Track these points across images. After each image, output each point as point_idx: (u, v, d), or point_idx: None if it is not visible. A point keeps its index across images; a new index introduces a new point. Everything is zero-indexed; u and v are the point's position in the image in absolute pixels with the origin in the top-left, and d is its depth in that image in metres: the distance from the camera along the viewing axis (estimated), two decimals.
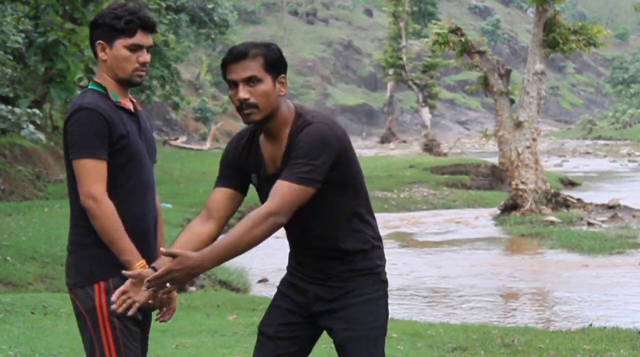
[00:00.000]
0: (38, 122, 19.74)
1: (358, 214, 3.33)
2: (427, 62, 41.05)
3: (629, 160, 40.97)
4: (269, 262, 14.25)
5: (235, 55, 3.21)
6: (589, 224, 18.06)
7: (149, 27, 3.39)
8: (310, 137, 3.16)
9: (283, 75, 3.25)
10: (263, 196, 3.31)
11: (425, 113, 40.61)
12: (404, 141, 56.63)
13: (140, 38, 3.37)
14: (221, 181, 3.42)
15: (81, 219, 3.32)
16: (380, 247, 3.40)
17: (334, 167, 3.19)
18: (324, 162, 3.15)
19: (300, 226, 3.31)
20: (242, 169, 3.38)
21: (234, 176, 3.39)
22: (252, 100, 3.19)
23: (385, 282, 3.39)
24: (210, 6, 36.42)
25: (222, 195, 3.42)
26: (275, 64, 3.22)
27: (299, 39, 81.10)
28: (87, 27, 18.32)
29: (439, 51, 21.40)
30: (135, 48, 3.37)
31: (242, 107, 3.20)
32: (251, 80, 3.19)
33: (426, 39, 23.30)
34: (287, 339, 3.38)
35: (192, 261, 3.04)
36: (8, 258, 10.93)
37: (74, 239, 3.38)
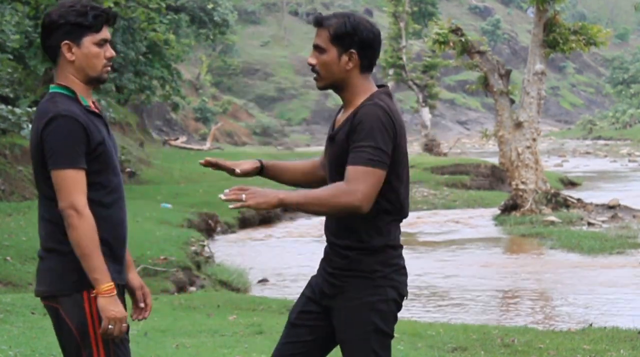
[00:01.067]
0: None
1: (383, 210, 3.28)
2: (427, 62, 41.05)
3: (629, 160, 40.96)
4: (269, 262, 14.25)
5: (315, 21, 3.32)
6: (589, 224, 18.06)
7: (112, 20, 3.28)
8: (374, 119, 3.20)
9: (353, 50, 3.26)
10: (326, 157, 3.39)
11: (425, 113, 40.61)
12: None
13: (105, 32, 3.26)
14: None
15: (59, 225, 3.18)
16: (387, 253, 3.32)
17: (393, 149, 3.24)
18: (386, 143, 3.21)
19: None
20: None
21: None
22: (316, 67, 3.30)
23: (381, 288, 3.29)
24: (210, 6, 36.42)
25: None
26: (343, 37, 3.25)
27: (299, 39, 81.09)
28: None
29: (439, 51, 21.41)
30: (102, 43, 3.26)
31: (312, 70, 3.32)
32: (318, 49, 3.29)
33: (426, 39, 23.30)
34: (303, 327, 3.39)
35: (270, 194, 3.11)
36: (8, 258, 10.93)
37: (50, 246, 3.22)
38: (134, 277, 3.43)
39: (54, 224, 3.20)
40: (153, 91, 30.77)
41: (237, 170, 3.48)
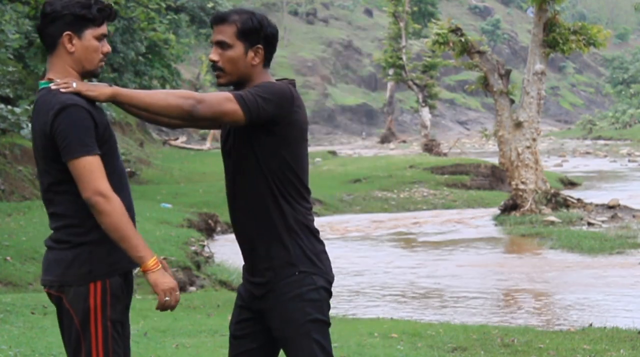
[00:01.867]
0: None
1: (285, 194, 3.27)
2: (427, 62, 41.04)
3: (629, 160, 40.95)
4: None
5: (215, 18, 3.32)
6: (589, 224, 18.06)
7: (113, 16, 3.29)
8: (268, 84, 3.25)
9: (259, 46, 3.29)
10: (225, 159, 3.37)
11: (425, 113, 40.60)
12: (404, 141, 56.62)
13: (105, 27, 3.28)
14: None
15: (73, 218, 3.20)
16: (302, 234, 3.29)
17: (270, 127, 3.22)
18: (267, 104, 3.19)
19: (232, 194, 3.35)
20: None
21: None
22: (219, 63, 3.29)
23: (310, 275, 3.26)
24: (210, 5, 36.41)
25: None
26: (250, 33, 3.27)
27: (299, 39, 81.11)
28: None
29: (439, 51, 21.41)
30: (102, 38, 3.27)
31: (213, 68, 3.30)
32: (222, 45, 3.28)
33: (426, 39, 23.31)
34: (245, 337, 3.38)
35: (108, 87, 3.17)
36: (8, 258, 10.93)
37: (63, 238, 3.23)
38: None
39: (68, 217, 3.21)
40: None
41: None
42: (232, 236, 16.62)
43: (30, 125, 3.47)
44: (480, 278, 13.24)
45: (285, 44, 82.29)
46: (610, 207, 19.65)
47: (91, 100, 3.24)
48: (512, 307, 11.43)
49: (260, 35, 3.28)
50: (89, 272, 3.20)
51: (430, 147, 39.05)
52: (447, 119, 76.94)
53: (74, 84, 3.13)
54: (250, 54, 3.27)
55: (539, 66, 19.59)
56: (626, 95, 76.97)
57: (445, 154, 37.70)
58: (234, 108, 3.15)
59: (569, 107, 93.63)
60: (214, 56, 3.29)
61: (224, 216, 18.88)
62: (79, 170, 3.12)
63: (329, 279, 3.32)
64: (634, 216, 18.91)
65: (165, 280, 3.20)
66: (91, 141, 3.14)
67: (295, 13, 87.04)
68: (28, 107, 16.88)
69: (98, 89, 3.15)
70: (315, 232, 3.33)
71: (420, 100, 40.67)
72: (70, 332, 3.23)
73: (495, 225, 19.03)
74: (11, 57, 19.37)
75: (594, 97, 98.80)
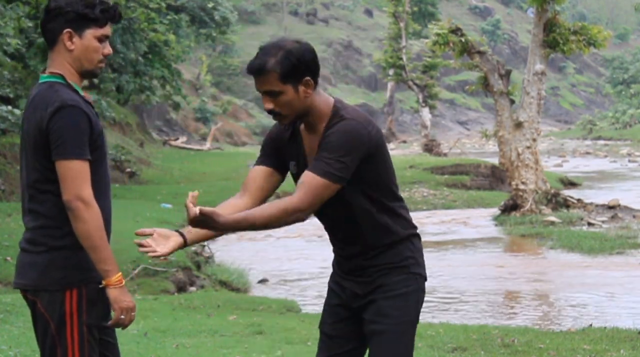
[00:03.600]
0: None
1: (386, 209, 3.32)
2: (427, 62, 41.03)
3: (629, 161, 40.94)
4: (269, 262, 14.24)
5: (252, 71, 3.26)
6: (589, 224, 18.05)
7: (118, 18, 3.27)
8: (341, 134, 3.19)
9: (307, 77, 3.24)
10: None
11: (426, 113, 40.59)
12: (404, 141, 56.60)
13: (108, 29, 3.25)
14: (259, 159, 3.46)
15: (53, 220, 3.16)
16: (411, 240, 3.38)
17: (363, 165, 3.23)
18: (352, 160, 3.18)
19: (329, 221, 3.38)
20: (281, 152, 3.41)
21: (272, 156, 3.43)
22: (276, 110, 3.25)
23: (416, 275, 3.36)
24: (210, 5, 36.42)
25: (258, 172, 3.43)
26: (292, 73, 3.21)
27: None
28: None
29: (439, 51, 21.40)
30: (103, 39, 3.25)
31: (270, 114, 3.27)
32: (271, 94, 3.23)
33: (426, 39, 23.31)
34: (342, 337, 3.42)
35: (213, 218, 3.07)
36: (8, 258, 10.93)
37: (39, 240, 3.19)
38: None
39: (47, 218, 3.17)
40: (153, 91, 30.76)
41: (162, 256, 3.26)
42: (233, 236, 16.64)
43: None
44: (481, 278, 13.24)
45: None
46: (610, 207, 19.65)
47: (89, 104, 3.21)
48: (512, 307, 11.43)
49: (302, 68, 3.23)
50: (64, 277, 3.16)
51: (430, 147, 39.04)
52: (447, 119, 76.93)
53: (165, 250, 3.14)
54: (301, 89, 3.24)
55: (539, 66, 19.59)
56: (626, 95, 76.96)
57: (445, 154, 37.69)
58: (330, 188, 3.17)
59: (569, 107, 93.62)
60: (269, 105, 3.25)
61: None
62: (66, 172, 3.09)
63: (426, 280, 3.45)
64: (634, 216, 18.91)
65: (125, 298, 3.17)
66: (83, 145, 3.11)
67: (295, 13, 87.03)
68: None
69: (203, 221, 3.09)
70: (416, 231, 3.43)
71: (420, 100, 40.67)
72: (45, 337, 3.20)
73: (496, 225, 19.02)
74: (8, 59, 19.35)
75: (594, 97, 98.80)
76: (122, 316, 3.18)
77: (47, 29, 3.22)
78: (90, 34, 3.21)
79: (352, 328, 3.40)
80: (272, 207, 3.14)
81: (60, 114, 3.10)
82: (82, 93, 3.23)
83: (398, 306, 3.30)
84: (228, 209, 3.33)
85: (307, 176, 3.17)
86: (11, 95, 19.66)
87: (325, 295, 3.57)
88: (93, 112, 3.22)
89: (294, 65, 3.21)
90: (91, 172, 3.15)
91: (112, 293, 3.15)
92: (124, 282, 3.18)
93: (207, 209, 3.03)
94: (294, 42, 3.27)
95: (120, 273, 3.16)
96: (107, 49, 3.26)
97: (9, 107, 16.70)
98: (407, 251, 3.34)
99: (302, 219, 3.20)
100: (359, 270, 3.36)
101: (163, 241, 3.18)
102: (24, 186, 3.25)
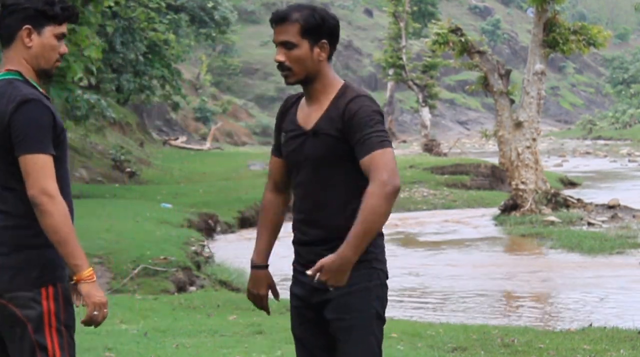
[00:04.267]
0: None
1: (359, 194, 3.23)
2: (427, 62, 41.03)
3: (629, 160, 40.95)
4: (269, 262, 14.21)
5: (276, 18, 3.27)
6: (589, 224, 18.06)
7: (75, 18, 3.21)
8: (369, 108, 3.21)
9: (324, 40, 3.27)
10: (284, 153, 3.37)
11: (425, 113, 40.60)
12: (404, 141, 56.62)
13: (65, 27, 3.18)
14: (273, 147, 3.47)
15: (23, 218, 3.08)
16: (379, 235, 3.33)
17: None
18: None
19: (302, 190, 3.33)
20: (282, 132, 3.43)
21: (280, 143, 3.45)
22: (286, 63, 3.25)
23: (377, 270, 3.30)
24: (210, 5, 36.43)
25: (277, 164, 3.46)
26: (315, 30, 3.24)
27: None
28: (87, 26, 18.33)
29: (439, 51, 21.41)
30: (61, 37, 3.18)
31: (279, 68, 3.27)
32: (287, 45, 3.24)
33: (426, 39, 23.32)
34: (312, 336, 3.38)
35: (336, 260, 3.09)
36: None
37: (9, 240, 3.08)
38: None
39: (17, 217, 3.09)
40: (153, 91, 30.79)
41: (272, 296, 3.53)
42: (232, 236, 16.66)
43: None
44: (480, 278, 13.24)
45: None
46: (610, 207, 19.65)
47: (49, 100, 3.15)
48: (512, 307, 11.43)
49: (323, 30, 3.26)
50: (40, 276, 3.08)
51: (430, 147, 39.05)
52: (447, 119, 76.95)
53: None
54: (316, 50, 3.25)
55: (539, 66, 19.59)
56: (626, 95, 77.00)
57: (445, 154, 37.70)
58: (392, 152, 3.22)
59: (569, 107, 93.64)
60: (280, 57, 3.25)
61: (224, 216, 18.88)
62: (30, 167, 3.02)
63: (388, 276, 3.38)
64: (634, 216, 18.91)
65: (98, 294, 3.08)
66: (47, 139, 3.05)
67: None
68: None
69: (336, 276, 3.14)
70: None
71: (420, 100, 40.67)
72: (22, 342, 3.09)
73: (495, 225, 19.02)
74: None
75: (594, 97, 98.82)
76: (95, 312, 3.09)
77: (4, 25, 3.14)
78: (49, 31, 3.14)
79: (319, 326, 3.35)
80: (374, 201, 3.09)
81: (22, 108, 3.03)
82: (41, 90, 3.16)
83: (361, 301, 3.25)
84: (273, 208, 3.47)
85: (374, 156, 3.14)
86: None
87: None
88: (54, 108, 3.15)
89: (317, 24, 3.24)
90: (56, 169, 3.08)
91: (84, 288, 3.06)
92: (95, 278, 3.09)
93: (325, 265, 3.10)
94: (323, 8, 3.33)
95: (91, 268, 3.08)
96: (64, 48, 3.19)
97: None
98: (369, 246, 3.24)
99: (398, 187, 3.19)
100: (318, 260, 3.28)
101: (263, 290, 3.48)
102: None
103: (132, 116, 36.25)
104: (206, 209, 18.78)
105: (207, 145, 42.07)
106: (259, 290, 3.50)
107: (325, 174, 3.27)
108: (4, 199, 3.11)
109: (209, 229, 17.70)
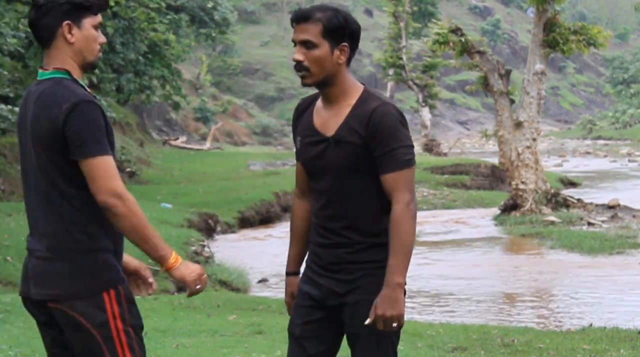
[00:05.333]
0: None
1: (382, 199, 3.23)
2: (427, 62, 41.03)
3: (629, 160, 40.96)
4: (269, 262, 14.24)
5: (297, 16, 3.21)
6: (589, 224, 18.06)
7: (107, 6, 3.17)
8: (395, 119, 3.19)
9: (345, 43, 3.20)
10: (302, 159, 3.32)
11: (425, 113, 40.60)
12: None
13: (100, 17, 3.13)
14: (296, 153, 3.42)
15: (76, 223, 3.01)
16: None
17: None
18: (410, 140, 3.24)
19: (324, 195, 3.29)
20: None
21: None
22: (305, 63, 3.19)
23: None
24: (210, 5, 36.43)
25: (300, 169, 3.42)
26: (336, 31, 3.18)
27: None
28: None
29: (439, 51, 21.40)
30: (98, 27, 3.11)
31: (297, 68, 3.21)
32: (307, 44, 3.18)
33: (426, 39, 23.31)
34: (314, 338, 3.31)
35: (390, 295, 3.11)
36: (8, 258, 10.93)
37: (65, 246, 3.01)
38: (129, 259, 3.32)
39: (71, 221, 3.02)
40: (153, 91, 30.78)
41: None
42: (232, 236, 16.63)
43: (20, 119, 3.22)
44: (480, 278, 13.24)
45: (285, 44, 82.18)
46: (610, 207, 19.65)
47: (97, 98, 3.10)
48: (512, 307, 11.43)
49: (345, 32, 3.19)
50: (100, 280, 3.03)
51: (430, 147, 39.05)
52: (447, 119, 76.97)
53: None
54: (337, 52, 3.19)
55: (539, 66, 19.59)
56: (626, 95, 77.01)
57: (445, 154, 37.71)
58: (414, 171, 3.23)
59: (569, 107, 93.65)
60: (299, 56, 3.18)
61: (224, 216, 18.88)
62: (95, 170, 2.94)
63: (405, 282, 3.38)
64: (634, 216, 18.91)
65: (190, 271, 3.10)
66: (105, 140, 2.98)
67: None
68: None
69: (395, 303, 3.16)
70: None
71: (420, 100, 40.67)
72: (89, 348, 3.03)
73: (496, 225, 19.02)
74: (8, 59, 19.36)
75: (594, 97, 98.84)
76: (198, 286, 3.13)
77: (41, 26, 3.05)
78: (88, 22, 3.08)
79: (325, 330, 3.31)
80: (402, 224, 3.13)
81: (77, 110, 2.95)
82: (87, 89, 3.10)
83: None
84: (301, 215, 3.45)
85: (400, 175, 3.15)
86: (11, 95, 19.66)
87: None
88: (104, 109, 3.10)
89: (340, 25, 3.18)
90: None
91: (177, 274, 3.07)
92: (180, 259, 3.09)
93: (380, 310, 3.13)
94: (347, 11, 3.28)
95: (173, 251, 3.08)
96: (102, 38, 3.14)
97: (9, 107, 16.69)
98: (386, 252, 3.23)
99: (416, 205, 3.22)
100: (338, 265, 3.25)
101: (287, 298, 3.47)
102: (34, 189, 3.08)
103: (132, 116, 36.25)
104: (206, 209, 18.79)
105: (207, 145, 42.07)
106: (286, 297, 3.49)
107: (347, 183, 3.23)
108: (58, 204, 3.03)
109: (209, 229, 17.70)
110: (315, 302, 3.31)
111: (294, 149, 3.44)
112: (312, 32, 3.17)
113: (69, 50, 3.07)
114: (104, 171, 2.95)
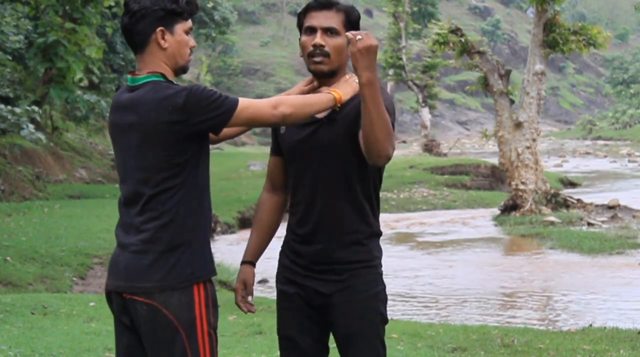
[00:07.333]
0: (39, 119, 19.73)
1: (370, 195, 3.25)
2: (427, 62, 41.07)
3: (629, 161, 40.99)
4: (269, 262, 14.23)
5: (321, 4, 3.25)
6: (589, 224, 18.06)
7: (196, 10, 3.23)
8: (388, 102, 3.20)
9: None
10: (288, 143, 3.31)
11: (425, 113, 40.62)
12: (404, 141, 56.65)
13: (191, 22, 3.21)
14: (272, 146, 3.46)
15: (176, 216, 3.05)
16: (379, 237, 3.33)
17: None
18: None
19: (309, 194, 3.27)
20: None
21: (277, 141, 3.43)
22: (326, 48, 3.22)
23: (381, 274, 3.30)
24: (210, 5, 36.44)
25: (276, 163, 3.45)
26: (354, 25, 3.25)
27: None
28: (87, 27, 18.32)
29: (439, 51, 21.41)
30: (189, 32, 3.20)
31: (315, 53, 3.22)
32: (330, 31, 3.22)
33: (426, 39, 23.34)
34: (308, 335, 3.32)
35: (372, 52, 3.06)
36: (8, 258, 10.93)
37: (164, 239, 3.05)
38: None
39: (172, 215, 3.05)
40: None
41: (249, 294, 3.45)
42: (232, 236, 16.64)
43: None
44: (480, 278, 13.24)
45: (285, 44, 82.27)
46: (610, 207, 19.66)
47: None
48: (512, 307, 11.43)
49: (357, 28, 3.26)
50: (192, 273, 3.06)
51: (430, 147, 39.08)
52: (447, 119, 76.98)
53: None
54: (349, 46, 3.20)
55: (539, 66, 19.60)
56: (626, 95, 77.05)
57: (445, 154, 37.72)
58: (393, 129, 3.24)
59: (569, 108, 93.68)
60: (320, 40, 3.21)
61: (224, 216, 18.88)
62: (246, 110, 3.06)
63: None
64: (634, 216, 18.92)
65: (346, 78, 3.24)
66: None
67: (295, 13, 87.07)
68: (28, 108, 16.88)
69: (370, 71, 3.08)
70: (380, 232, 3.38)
71: (420, 100, 40.69)
72: (172, 346, 3.04)
73: (495, 225, 19.03)
74: (10, 58, 19.35)
75: (594, 97, 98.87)
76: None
77: (136, 32, 3.12)
78: (180, 28, 3.15)
79: (316, 327, 3.32)
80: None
81: (192, 93, 3.02)
82: None
83: (369, 308, 3.24)
84: (267, 207, 3.49)
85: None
86: (11, 95, 19.67)
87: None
88: None
89: (356, 20, 3.27)
90: (197, 164, 3.09)
91: (345, 87, 3.22)
92: (333, 91, 3.20)
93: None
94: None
95: (335, 95, 3.18)
96: (192, 42, 3.21)
97: (9, 107, 16.69)
98: (376, 250, 3.27)
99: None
100: (323, 264, 3.25)
101: (238, 284, 3.41)
102: (135, 186, 3.11)
103: None
104: None
105: None
106: (237, 282, 3.44)
107: (334, 168, 3.22)
108: (162, 200, 3.07)
109: None
110: (302, 300, 3.31)
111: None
112: (336, 20, 3.23)
113: (162, 55, 3.14)
114: (253, 102, 3.08)
